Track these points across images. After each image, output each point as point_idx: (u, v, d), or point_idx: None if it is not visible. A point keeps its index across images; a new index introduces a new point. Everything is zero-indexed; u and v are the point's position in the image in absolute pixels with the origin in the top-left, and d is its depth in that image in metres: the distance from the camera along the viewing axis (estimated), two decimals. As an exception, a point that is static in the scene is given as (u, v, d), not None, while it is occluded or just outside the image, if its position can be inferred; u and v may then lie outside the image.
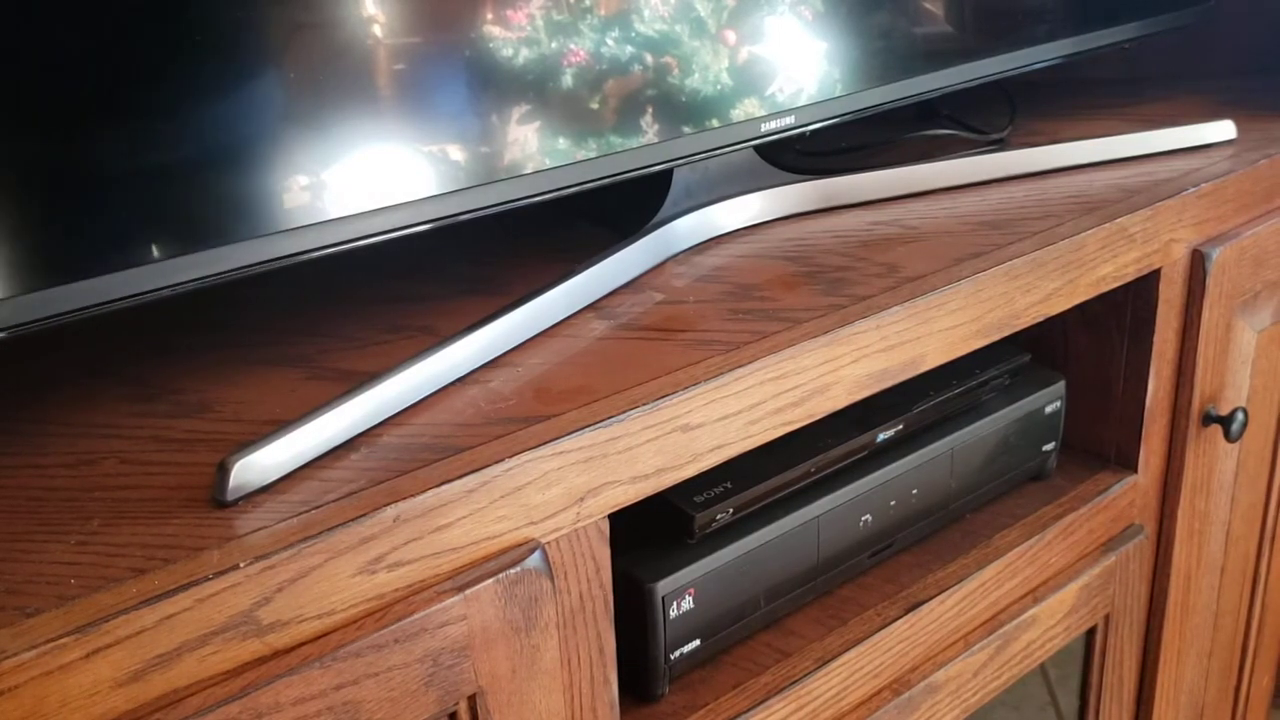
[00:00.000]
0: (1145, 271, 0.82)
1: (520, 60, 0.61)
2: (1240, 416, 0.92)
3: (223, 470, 0.48)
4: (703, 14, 0.68)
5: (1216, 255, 0.86)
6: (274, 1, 0.51)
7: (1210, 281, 0.87)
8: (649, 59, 0.66)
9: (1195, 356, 0.89)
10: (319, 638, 0.47)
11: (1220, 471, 0.98)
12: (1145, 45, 1.00)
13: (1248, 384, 0.98)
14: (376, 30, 0.55)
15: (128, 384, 0.60)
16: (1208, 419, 0.92)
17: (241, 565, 0.44)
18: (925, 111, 0.97)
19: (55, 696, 0.40)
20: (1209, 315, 0.88)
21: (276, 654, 0.46)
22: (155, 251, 0.50)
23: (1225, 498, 1.01)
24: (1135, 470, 0.89)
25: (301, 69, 0.53)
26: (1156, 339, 0.86)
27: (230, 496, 0.48)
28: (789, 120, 0.74)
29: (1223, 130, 0.93)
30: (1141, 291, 0.85)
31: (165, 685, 0.43)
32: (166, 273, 0.50)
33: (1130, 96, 0.90)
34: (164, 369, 0.61)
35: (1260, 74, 0.92)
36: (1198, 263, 0.86)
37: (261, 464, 0.49)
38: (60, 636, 0.40)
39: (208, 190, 0.51)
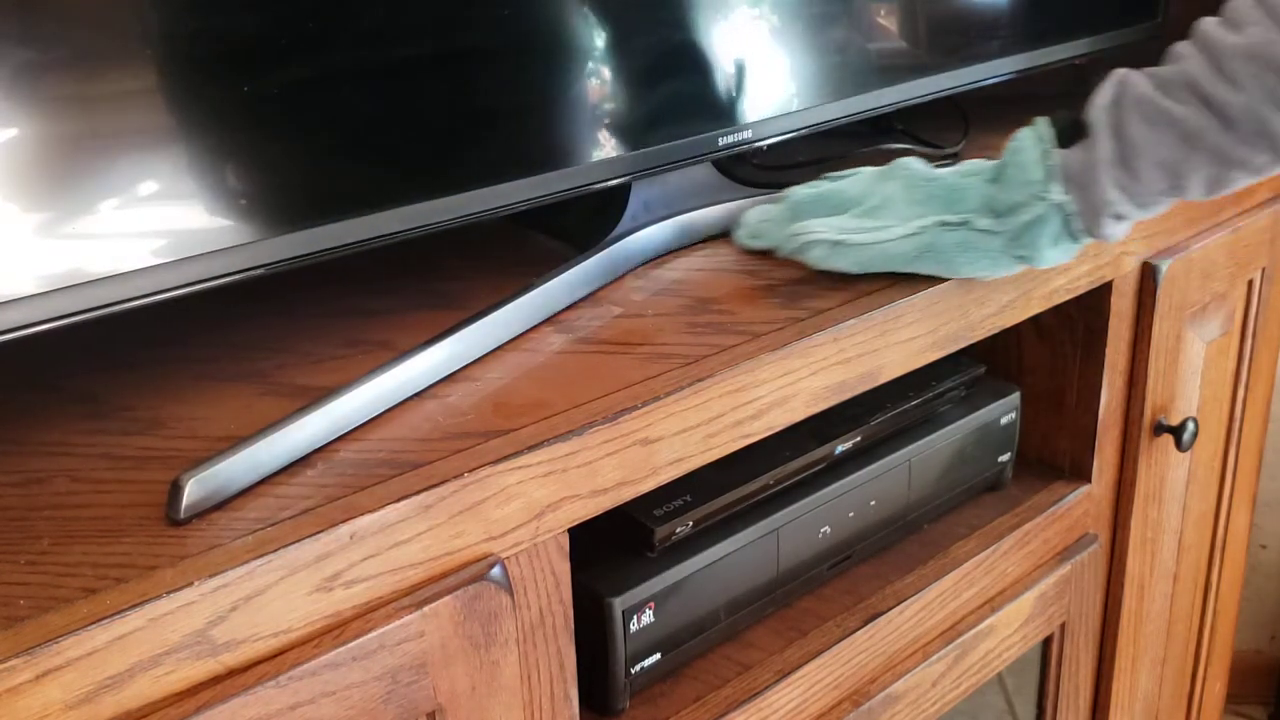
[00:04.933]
0: (1097, 284, 0.84)
1: (479, 73, 0.61)
2: (1191, 426, 0.93)
3: (176, 488, 0.47)
4: (660, 28, 0.68)
5: (1166, 268, 0.88)
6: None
7: (1160, 293, 0.88)
8: (606, 73, 0.66)
9: (1146, 367, 0.90)
10: (275, 656, 0.46)
11: (1172, 481, 0.99)
12: (1096, 61, 1.02)
13: (1198, 394, 1.00)
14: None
15: (79, 401, 0.59)
16: (1159, 429, 0.93)
17: (195, 584, 0.43)
18: (880, 126, 0.98)
19: (4, 719, 0.40)
20: (1159, 327, 0.90)
21: (231, 674, 0.45)
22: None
23: (1177, 507, 1.02)
24: (1089, 480, 0.90)
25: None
26: (1109, 350, 0.87)
27: (184, 514, 0.47)
28: (746, 134, 0.74)
29: (1171, 144, 0.94)
30: (1093, 303, 0.86)
31: (117, 707, 0.42)
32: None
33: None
34: (115, 385, 0.60)
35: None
36: (1148, 275, 0.88)
37: (216, 481, 0.48)
38: (9, 658, 0.40)
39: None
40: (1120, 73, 0.65)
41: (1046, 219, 0.65)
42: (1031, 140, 0.66)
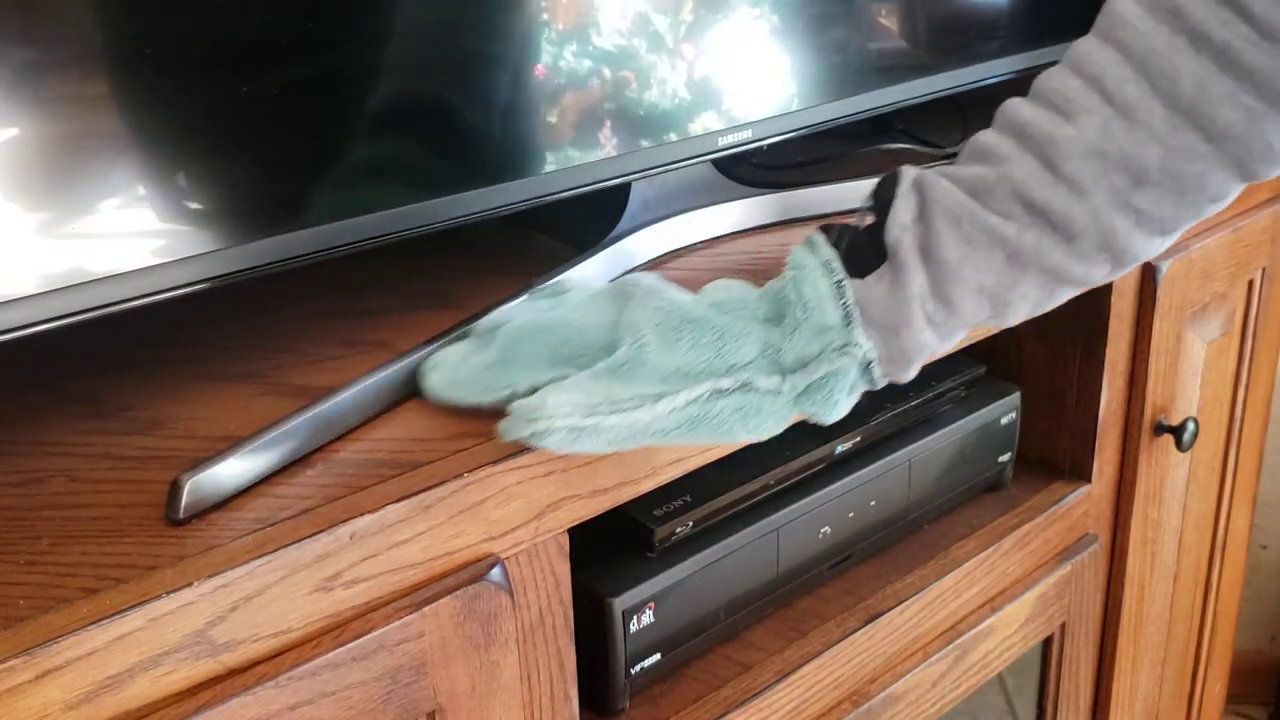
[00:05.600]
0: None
1: (479, 73, 0.61)
2: (1191, 426, 0.93)
3: (176, 488, 0.47)
4: (660, 28, 0.68)
5: (1166, 268, 0.88)
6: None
7: (1160, 294, 0.88)
8: (606, 73, 0.66)
9: (1147, 367, 0.90)
10: (274, 657, 0.46)
11: (1172, 481, 0.99)
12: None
13: (1198, 394, 0.99)
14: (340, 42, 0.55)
15: (78, 401, 0.59)
16: (1159, 429, 0.93)
17: (195, 584, 0.43)
18: (880, 126, 0.98)
19: (4, 719, 0.40)
20: (1160, 327, 0.89)
21: (231, 674, 0.45)
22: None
23: (1177, 506, 1.02)
24: (1089, 480, 0.90)
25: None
26: (1109, 350, 0.87)
27: (183, 514, 0.47)
28: (746, 134, 0.74)
29: (1171, 144, 0.94)
30: (1094, 303, 0.86)
31: (117, 707, 0.42)
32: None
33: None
34: (115, 386, 0.60)
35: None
36: (1148, 275, 0.88)
37: (215, 481, 0.48)
38: (9, 659, 0.39)
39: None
40: (915, 177, 0.53)
41: (843, 372, 0.52)
42: (818, 270, 0.53)
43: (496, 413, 0.52)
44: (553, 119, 0.65)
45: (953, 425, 0.81)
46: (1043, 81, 0.53)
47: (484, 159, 0.62)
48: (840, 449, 0.74)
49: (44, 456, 0.54)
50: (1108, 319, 0.86)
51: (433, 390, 0.55)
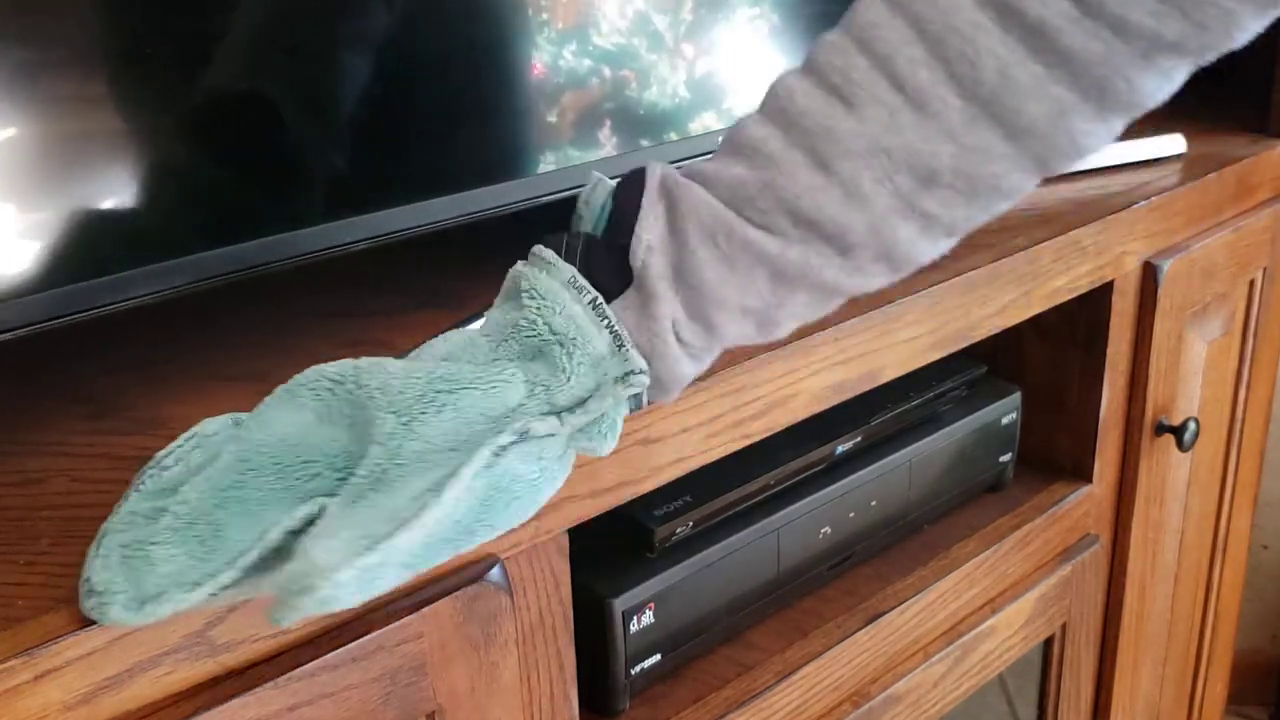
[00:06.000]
0: (1098, 283, 0.83)
1: (479, 73, 0.61)
2: (1192, 426, 0.93)
3: (175, 488, 0.47)
4: (660, 28, 0.68)
5: (1167, 267, 0.88)
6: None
7: (1161, 293, 0.88)
8: (606, 72, 0.66)
9: (1148, 367, 0.90)
10: (273, 657, 0.46)
11: (1173, 481, 0.99)
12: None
13: (1199, 394, 0.99)
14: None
15: (78, 401, 0.59)
16: (1160, 429, 0.93)
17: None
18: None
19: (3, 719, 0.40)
20: (1160, 326, 0.89)
21: (230, 674, 0.45)
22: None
23: (1178, 507, 1.02)
24: (1090, 480, 0.90)
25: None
26: (1110, 350, 0.87)
27: (183, 515, 0.47)
28: (746, 134, 0.74)
29: (1173, 144, 0.94)
30: (1095, 303, 0.86)
31: (116, 708, 0.42)
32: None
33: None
34: (115, 386, 0.60)
35: (1209, 89, 0.94)
36: (1149, 275, 0.88)
37: (215, 481, 0.48)
38: (8, 659, 0.39)
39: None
40: (662, 179, 0.46)
41: (622, 402, 0.45)
42: (564, 293, 0.45)
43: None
44: (552, 119, 0.65)
45: (953, 425, 0.81)
46: (823, 55, 0.45)
47: (484, 159, 0.62)
48: (841, 449, 0.74)
49: (44, 456, 0.54)
50: (1109, 319, 0.86)
51: (124, 621, 0.39)
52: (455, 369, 0.43)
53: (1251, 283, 1.04)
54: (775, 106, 0.46)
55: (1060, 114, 0.43)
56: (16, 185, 0.46)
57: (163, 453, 0.43)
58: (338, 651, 0.47)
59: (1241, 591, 1.22)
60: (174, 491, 0.41)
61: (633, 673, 0.65)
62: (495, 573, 0.52)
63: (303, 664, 0.46)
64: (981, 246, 0.75)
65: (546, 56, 0.64)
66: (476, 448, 0.40)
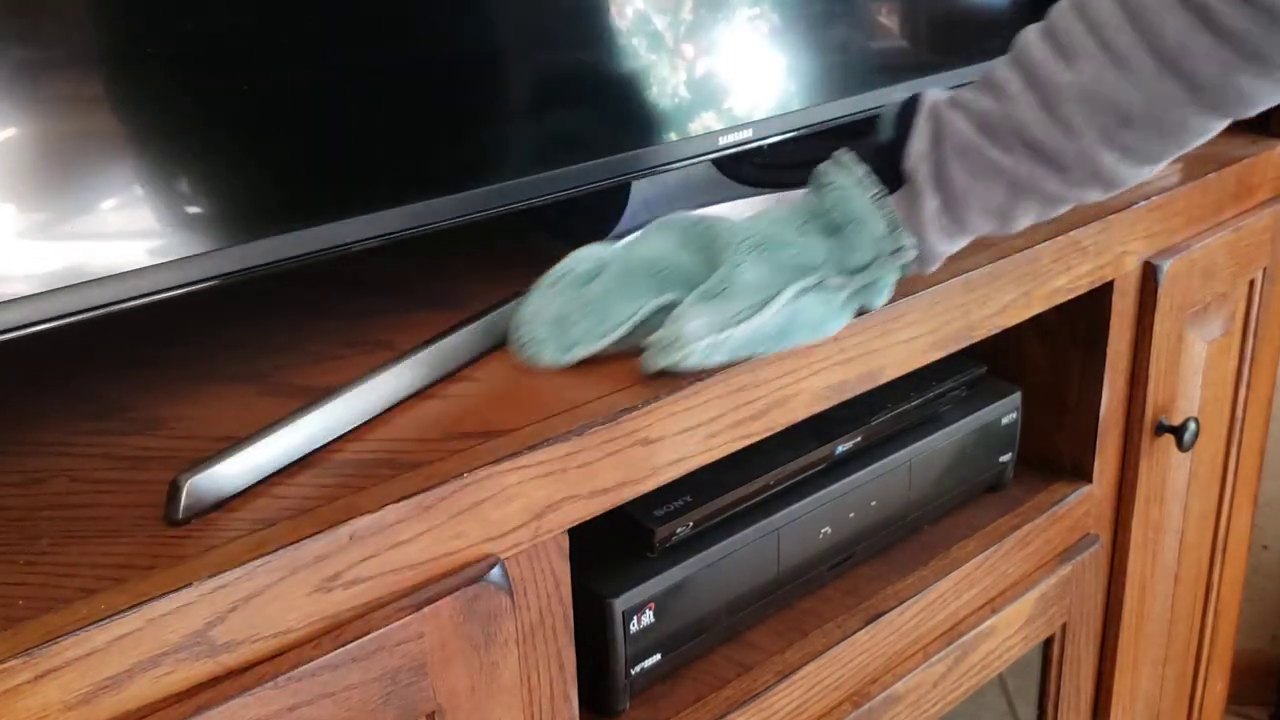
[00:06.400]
0: (1098, 283, 0.83)
1: (478, 72, 0.61)
2: (1192, 426, 0.93)
3: (175, 488, 0.47)
4: (660, 27, 0.68)
5: (1167, 267, 0.88)
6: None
7: (1161, 293, 0.88)
8: (606, 72, 0.66)
9: (1148, 367, 0.90)
10: (274, 657, 0.46)
11: (1173, 481, 0.99)
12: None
13: (1199, 394, 0.99)
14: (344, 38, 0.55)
15: (78, 401, 0.59)
16: (1160, 429, 0.93)
17: (194, 584, 0.43)
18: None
19: (3, 719, 0.40)
20: (1161, 326, 0.89)
21: (230, 674, 0.45)
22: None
23: (1178, 507, 1.02)
24: (1090, 480, 0.90)
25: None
26: (1110, 350, 0.87)
27: (183, 515, 0.47)
28: (747, 133, 0.74)
29: (1172, 144, 0.94)
30: (1095, 303, 0.86)
31: (116, 708, 0.42)
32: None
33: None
34: (115, 386, 0.60)
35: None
36: (1149, 275, 0.88)
37: (214, 482, 0.48)
38: (8, 659, 0.39)
39: (160, 204, 0.50)
40: (931, 106, 0.61)
41: (893, 269, 0.62)
42: (856, 188, 0.61)
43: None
44: (552, 118, 0.65)
45: (953, 425, 0.81)
46: (1055, 17, 0.59)
47: (484, 159, 0.62)
48: (841, 449, 0.74)
49: (44, 456, 0.54)
50: (1109, 319, 0.86)
51: (553, 364, 0.59)
52: (778, 232, 0.61)
53: (1251, 283, 1.04)
54: (1017, 56, 0.60)
55: (1227, 72, 0.56)
56: (18, 184, 0.46)
57: (557, 267, 0.62)
58: (338, 651, 0.47)
59: (1241, 591, 1.22)
60: (579, 285, 0.61)
61: (633, 673, 0.65)
62: (495, 573, 0.52)
63: (303, 664, 0.46)
64: (981, 246, 0.75)
65: (548, 57, 0.64)
66: (787, 285, 0.58)
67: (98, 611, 0.41)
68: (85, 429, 0.56)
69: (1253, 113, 0.58)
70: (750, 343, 0.58)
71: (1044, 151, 0.59)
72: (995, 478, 0.87)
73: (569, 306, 0.59)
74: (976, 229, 0.62)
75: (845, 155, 0.62)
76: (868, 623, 0.74)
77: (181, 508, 0.47)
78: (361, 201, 0.57)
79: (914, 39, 0.87)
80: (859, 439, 0.75)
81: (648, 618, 0.65)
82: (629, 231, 0.72)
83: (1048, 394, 0.90)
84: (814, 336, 0.61)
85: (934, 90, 0.63)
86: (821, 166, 0.63)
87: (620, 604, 0.63)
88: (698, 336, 0.56)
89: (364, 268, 0.74)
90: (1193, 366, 0.97)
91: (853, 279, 0.61)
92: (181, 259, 0.51)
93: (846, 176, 0.62)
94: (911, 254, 0.61)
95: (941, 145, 0.60)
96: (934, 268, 0.64)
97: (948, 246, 0.63)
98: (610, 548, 0.65)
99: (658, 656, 0.66)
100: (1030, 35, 0.60)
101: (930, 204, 0.61)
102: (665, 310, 0.59)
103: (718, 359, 0.57)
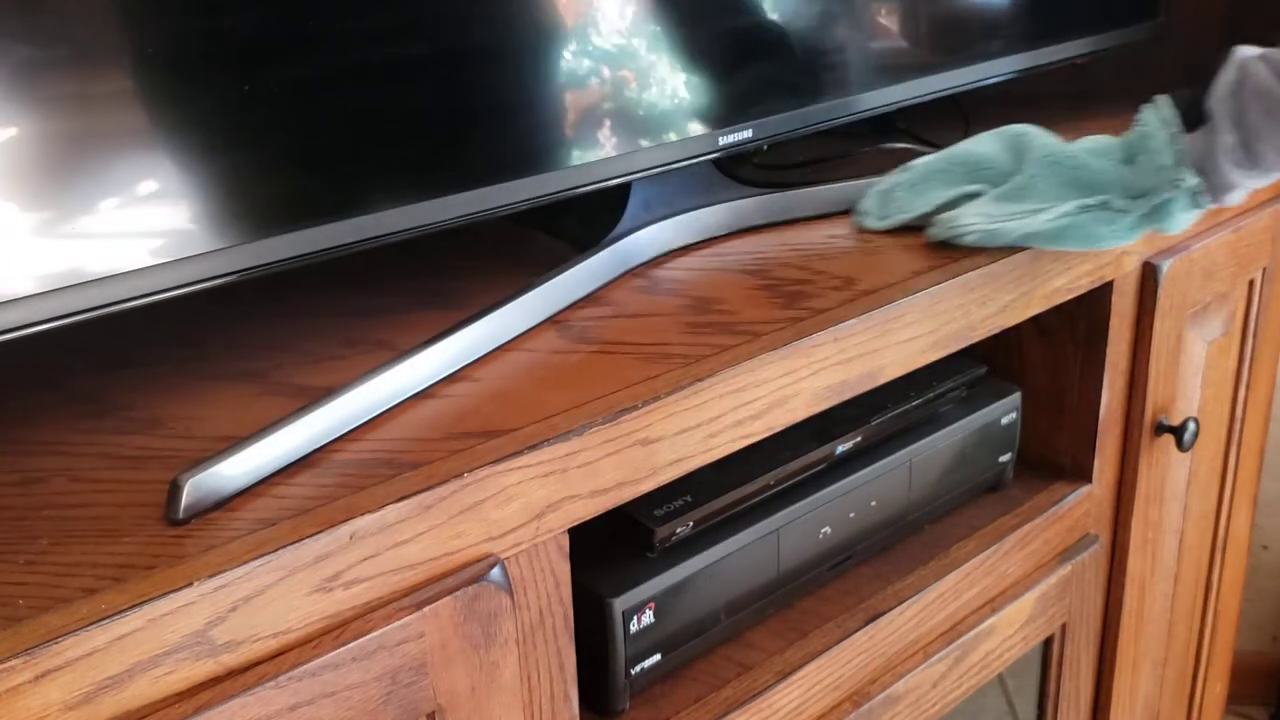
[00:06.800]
0: (1098, 283, 0.83)
1: (478, 73, 0.61)
2: (1192, 426, 0.93)
3: (175, 488, 0.47)
4: (660, 27, 0.68)
5: (1167, 267, 0.88)
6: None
7: (1161, 293, 0.88)
8: (606, 72, 0.66)
9: (1147, 367, 0.90)
10: (274, 657, 0.46)
11: (1173, 481, 0.99)
12: (1097, 60, 1.02)
13: (1198, 394, 0.99)
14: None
15: (77, 400, 0.59)
16: (1160, 429, 0.93)
17: (194, 584, 0.43)
18: (882, 125, 0.97)
19: (3, 719, 0.40)
20: (1160, 326, 0.89)
21: (231, 674, 0.45)
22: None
23: (1178, 507, 1.02)
24: (1090, 480, 0.90)
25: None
26: (1109, 350, 0.87)
27: (183, 514, 0.47)
28: (746, 134, 0.74)
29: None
30: (1094, 303, 0.86)
31: (117, 707, 0.42)
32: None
33: (1082, 111, 0.91)
34: (114, 385, 0.60)
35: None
36: (1149, 275, 0.88)
37: (215, 481, 0.48)
38: (8, 659, 0.39)
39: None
40: (1240, 58, 0.69)
41: (1177, 199, 0.70)
42: (1158, 124, 0.71)
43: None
44: (553, 118, 0.65)
45: (953, 425, 0.81)
46: None
47: (484, 159, 0.62)
48: (841, 449, 0.74)
49: (44, 456, 0.54)
50: (1108, 319, 0.86)
51: (866, 224, 0.78)
52: (1077, 154, 0.74)
53: (1251, 283, 1.04)
54: None
55: None
56: (20, 185, 0.46)
57: (897, 172, 0.79)
58: (338, 651, 0.47)
59: (1241, 592, 1.22)
60: (916, 171, 0.78)
61: (633, 672, 0.65)
62: (495, 573, 0.52)
63: (303, 663, 0.46)
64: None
65: (548, 57, 0.64)
66: (1072, 199, 0.72)
67: (98, 611, 0.41)
68: (85, 429, 0.56)
69: None
70: (1024, 238, 0.72)
71: None
72: (995, 478, 0.87)
73: (898, 186, 0.78)
74: (1270, 166, 0.69)
75: (1161, 98, 0.72)
76: (868, 623, 0.74)
77: (182, 507, 0.47)
78: (361, 202, 0.57)
79: (914, 39, 0.87)
80: (859, 439, 0.75)
81: (648, 618, 0.65)
82: (629, 231, 0.72)
83: (1048, 394, 0.91)
84: (1087, 246, 0.73)
85: (1247, 47, 0.70)
86: (1143, 107, 0.73)
87: (620, 604, 0.63)
88: (974, 222, 0.72)
89: (364, 268, 0.74)
90: (1192, 366, 0.97)
91: (1135, 204, 0.71)
92: (181, 259, 0.51)
93: (1154, 115, 0.71)
94: (1191, 184, 0.70)
95: (1242, 89, 0.68)
96: (1231, 199, 0.71)
97: (1241, 179, 0.70)
98: (610, 548, 0.65)
99: (658, 656, 0.66)
100: None
101: (1226, 139, 0.68)
102: (970, 198, 0.75)
103: (989, 244, 0.73)
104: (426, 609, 0.49)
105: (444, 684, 0.51)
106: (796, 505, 0.72)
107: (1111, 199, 0.72)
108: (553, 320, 0.66)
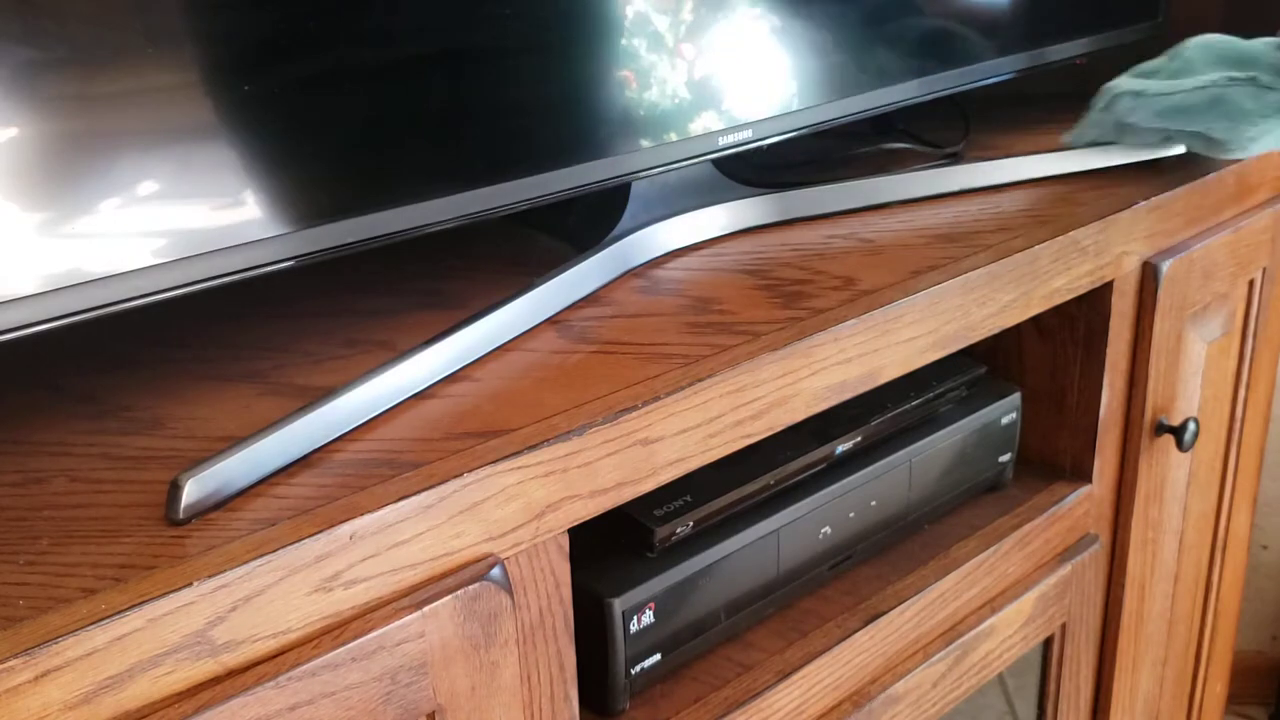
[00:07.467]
0: (1098, 284, 0.83)
1: (478, 73, 0.61)
2: (1192, 426, 0.93)
3: (175, 488, 0.47)
4: (660, 28, 0.68)
5: (1167, 268, 0.88)
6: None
7: (1161, 293, 0.88)
8: (606, 72, 0.66)
9: (1147, 367, 0.90)
10: (274, 657, 0.46)
11: (1173, 481, 0.99)
12: (1097, 60, 1.02)
13: (1198, 394, 0.99)
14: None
15: (77, 400, 0.59)
16: (1160, 429, 0.93)
17: (194, 584, 0.43)
18: (881, 126, 0.98)
19: (3, 719, 0.40)
20: (1160, 327, 0.89)
21: (231, 674, 0.45)
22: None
23: (1178, 507, 1.02)
24: (1090, 480, 0.90)
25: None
26: (1109, 350, 0.87)
27: (183, 514, 0.47)
28: (746, 134, 0.74)
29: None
30: (1094, 303, 0.86)
31: (117, 708, 0.42)
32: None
33: (1082, 110, 0.91)
34: (115, 385, 0.60)
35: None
36: (1149, 275, 0.88)
37: (215, 481, 0.48)
38: (8, 659, 0.39)
39: (160, 204, 0.50)
40: None
41: None
42: None
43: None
44: (553, 119, 0.65)
45: (953, 425, 0.81)
46: None
47: (484, 159, 0.62)
48: (841, 449, 0.74)
49: (45, 456, 0.54)
50: (1108, 319, 0.86)
51: (1074, 142, 0.89)
52: (1236, 40, 0.80)
53: (1251, 283, 1.04)
54: None
55: None
56: (20, 185, 0.46)
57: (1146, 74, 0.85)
58: (338, 650, 0.47)
59: (1241, 591, 1.22)
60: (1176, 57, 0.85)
61: (633, 672, 0.65)
62: (495, 573, 0.52)
63: (303, 663, 0.46)
64: (981, 247, 0.75)
65: (548, 57, 0.64)
66: (1218, 72, 0.80)
67: (98, 611, 0.42)
68: (85, 429, 0.56)
69: None
70: (1170, 108, 0.79)
71: None
72: (995, 478, 0.87)
73: (1146, 73, 0.84)
74: None
75: None
76: (868, 623, 0.74)
77: (182, 507, 0.47)
78: (360, 203, 0.57)
79: (914, 39, 0.87)
80: (859, 439, 0.75)
81: (648, 618, 0.65)
82: (629, 231, 0.72)
83: (1048, 394, 0.91)
84: (1233, 121, 0.77)
85: None
86: None
87: (620, 604, 0.63)
88: (1124, 87, 0.80)
89: (364, 268, 0.74)
90: (1192, 367, 0.97)
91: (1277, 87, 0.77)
92: (181, 259, 0.51)
93: None
94: None
95: None
96: None
97: None
98: (610, 548, 0.65)
99: (658, 656, 0.66)
100: None
101: None
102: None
103: (1140, 117, 0.80)
104: (426, 609, 0.49)
105: (444, 684, 0.51)
106: (796, 505, 0.72)
107: (1259, 76, 0.76)
108: (553, 320, 0.66)
